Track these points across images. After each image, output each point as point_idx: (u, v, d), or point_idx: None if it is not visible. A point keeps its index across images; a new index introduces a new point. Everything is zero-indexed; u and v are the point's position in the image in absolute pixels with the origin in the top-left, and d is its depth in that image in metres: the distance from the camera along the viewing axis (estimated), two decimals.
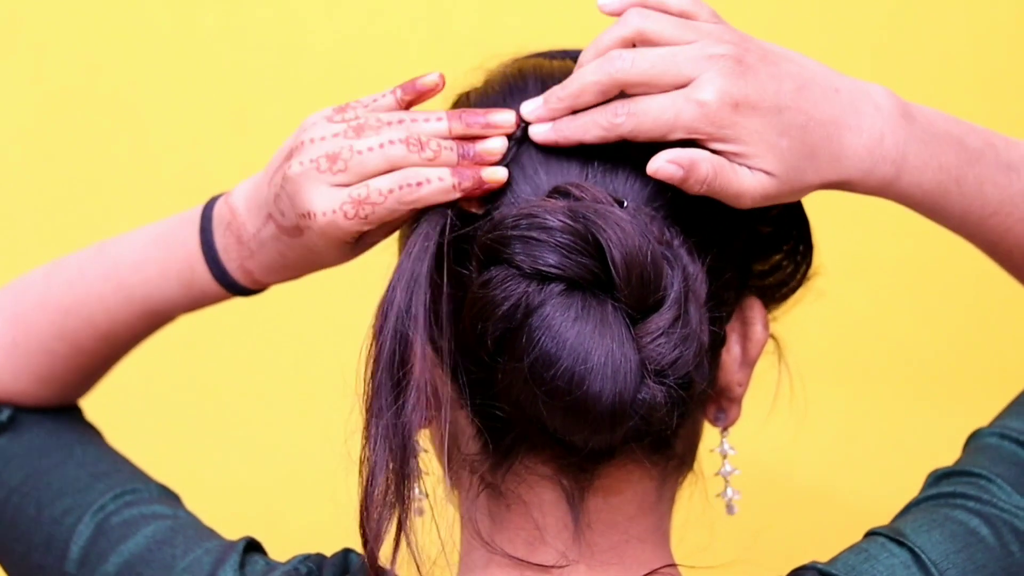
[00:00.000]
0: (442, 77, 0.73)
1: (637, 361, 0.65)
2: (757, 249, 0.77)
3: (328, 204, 0.69)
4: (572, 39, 1.31)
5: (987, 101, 1.35)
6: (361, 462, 0.68)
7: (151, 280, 0.81)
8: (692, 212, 0.70)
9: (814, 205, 1.34)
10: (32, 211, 1.30)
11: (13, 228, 1.30)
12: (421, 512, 0.75)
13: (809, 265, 0.79)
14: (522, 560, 0.71)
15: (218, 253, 0.78)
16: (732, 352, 0.75)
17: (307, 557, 0.76)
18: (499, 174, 0.70)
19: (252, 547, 0.78)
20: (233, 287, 0.78)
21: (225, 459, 1.32)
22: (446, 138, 0.70)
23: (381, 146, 0.69)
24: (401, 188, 0.69)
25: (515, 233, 0.66)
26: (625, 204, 0.68)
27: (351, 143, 0.70)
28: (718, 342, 0.73)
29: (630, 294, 0.66)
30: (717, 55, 0.68)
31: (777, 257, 0.78)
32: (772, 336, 0.80)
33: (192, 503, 0.85)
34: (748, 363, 0.76)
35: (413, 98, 0.73)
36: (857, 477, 1.34)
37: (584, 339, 0.65)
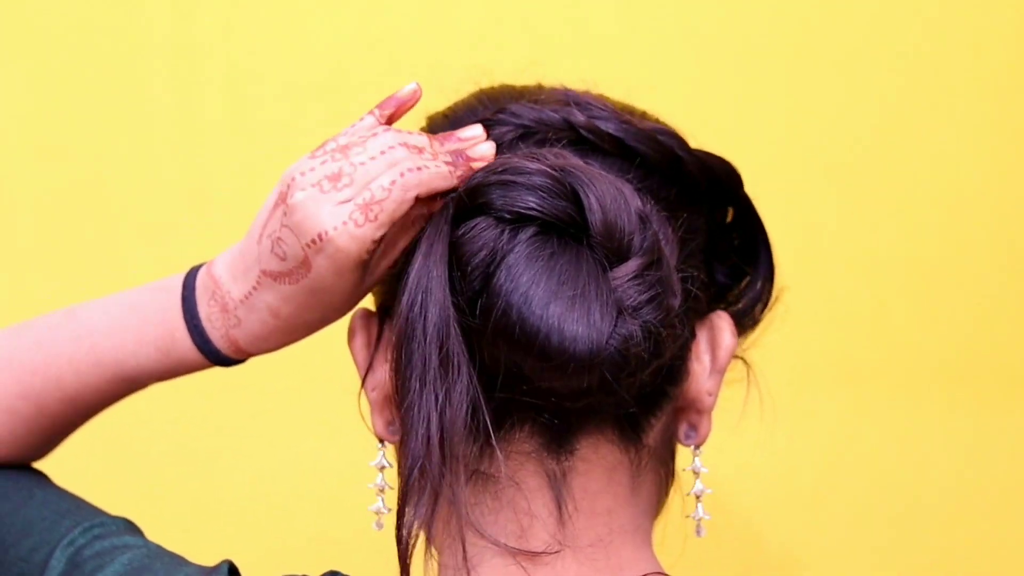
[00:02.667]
0: (419, 86, 0.74)
1: (613, 300, 0.66)
2: (722, 263, 0.79)
3: (338, 218, 0.69)
4: (570, 39, 1.31)
5: (987, 101, 1.35)
6: (408, 436, 0.68)
7: (125, 346, 0.79)
8: (660, 192, 0.73)
9: (814, 203, 1.34)
10: (32, 211, 1.30)
11: (13, 228, 1.30)
12: (381, 526, 0.77)
13: (770, 295, 0.81)
14: (514, 548, 0.71)
15: (201, 322, 0.77)
16: (702, 360, 0.76)
17: None
18: (486, 150, 0.72)
19: (233, 572, 0.77)
20: (215, 356, 0.78)
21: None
22: None
23: (382, 152, 0.70)
24: (403, 175, 0.69)
25: (494, 179, 0.69)
26: (598, 171, 0.70)
27: (347, 160, 0.70)
28: (686, 334, 0.74)
29: (606, 240, 0.67)
30: None
31: (743, 284, 0.81)
32: (743, 360, 0.82)
33: (179, 515, 0.85)
34: (718, 370, 0.77)
35: (394, 111, 0.74)
36: (857, 477, 1.34)
37: (559, 277, 0.66)
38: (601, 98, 0.76)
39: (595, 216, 0.67)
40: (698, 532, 0.78)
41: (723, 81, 1.32)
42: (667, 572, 0.74)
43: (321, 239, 0.69)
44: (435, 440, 0.67)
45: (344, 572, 0.75)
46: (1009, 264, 1.36)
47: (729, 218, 0.80)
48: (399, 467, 0.69)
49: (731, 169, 0.78)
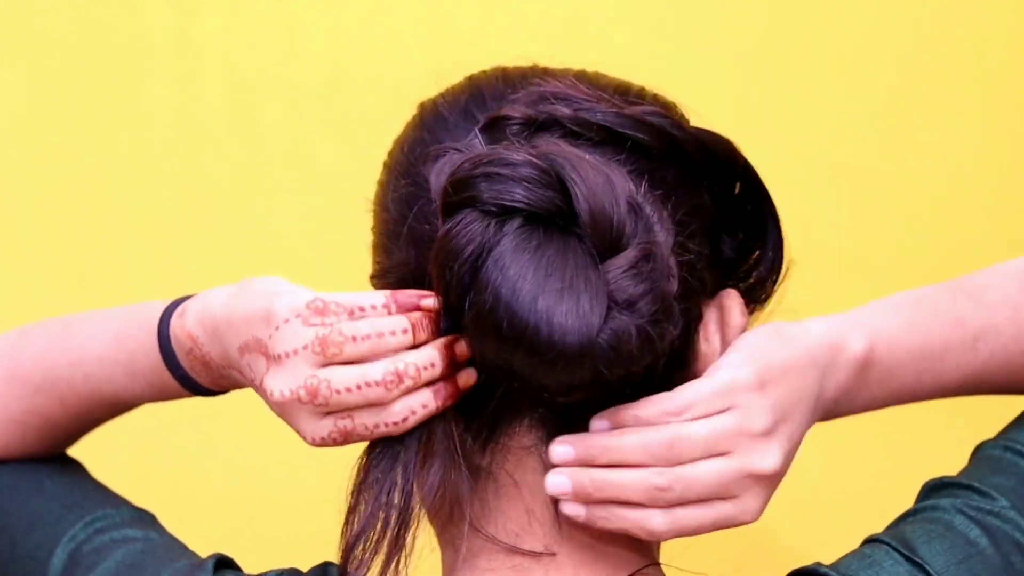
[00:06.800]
0: (438, 301, 0.69)
1: (604, 292, 0.65)
2: (730, 237, 0.77)
3: (316, 431, 0.68)
4: (569, 39, 1.31)
5: (987, 101, 1.35)
6: (355, 498, 0.69)
7: (117, 380, 0.80)
8: (657, 173, 0.70)
9: (813, 202, 1.34)
10: (32, 211, 1.30)
11: (13, 228, 1.30)
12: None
13: (780, 267, 0.78)
14: (512, 546, 0.71)
15: (187, 372, 0.76)
16: (711, 341, 0.74)
17: (281, 573, 0.75)
18: (471, 378, 0.69)
19: (223, 563, 0.77)
20: (208, 393, 0.78)
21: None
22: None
23: (359, 387, 0.67)
24: (387, 425, 0.68)
25: (479, 171, 0.66)
26: (587, 158, 0.68)
27: (328, 379, 0.67)
28: (693, 314, 0.72)
29: (595, 231, 0.66)
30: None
31: (752, 258, 0.78)
32: None
33: (175, 509, 0.85)
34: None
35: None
36: (857, 478, 1.34)
37: (546, 269, 0.64)
38: (596, 77, 0.75)
39: (582, 206, 0.65)
40: None
41: (723, 81, 1.32)
42: (665, 571, 0.74)
43: (298, 432, 0.69)
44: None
45: (337, 563, 0.75)
46: None
47: (738, 190, 0.76)
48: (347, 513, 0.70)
49: (728, 144, 0.75)
